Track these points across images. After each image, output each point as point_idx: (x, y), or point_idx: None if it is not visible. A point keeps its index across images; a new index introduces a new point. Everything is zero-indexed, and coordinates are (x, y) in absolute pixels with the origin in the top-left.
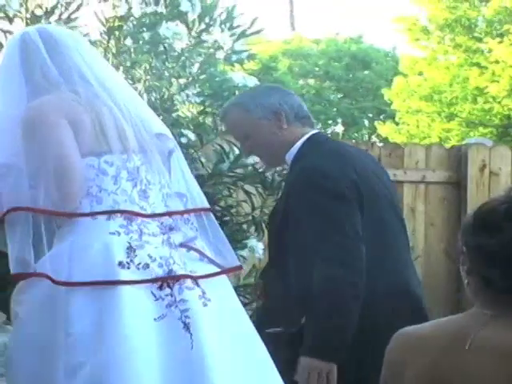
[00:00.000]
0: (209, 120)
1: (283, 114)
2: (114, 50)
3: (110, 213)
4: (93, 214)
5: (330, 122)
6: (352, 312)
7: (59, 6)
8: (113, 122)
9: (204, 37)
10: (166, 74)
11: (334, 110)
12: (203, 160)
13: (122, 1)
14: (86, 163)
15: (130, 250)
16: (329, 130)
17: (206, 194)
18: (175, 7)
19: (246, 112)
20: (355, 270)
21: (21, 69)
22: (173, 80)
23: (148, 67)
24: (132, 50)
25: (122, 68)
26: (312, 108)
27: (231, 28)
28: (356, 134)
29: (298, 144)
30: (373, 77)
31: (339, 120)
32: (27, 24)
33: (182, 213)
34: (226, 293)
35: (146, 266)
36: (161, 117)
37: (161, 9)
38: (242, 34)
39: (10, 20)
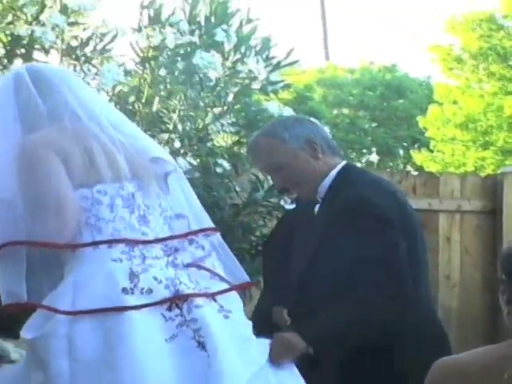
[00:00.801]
0: (243, 150)
1: (318, 144)
2: (149, 80)
3: (111, 242)
4: (95, 244)
5: (364, 151)
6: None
7: (94, 36)
8: (102, 152)
9: (239, 67)
10: (201, 103)
11: (369, 139)
12: (238, 189)
13: (157, 31)
14: (79, 195)
15: (133, 275)
16: (363, 160)
17: (240, 223)
18: (210, 37)
19: (280, 142)
20: (406, 299)
21: (15, 106)
22: (208, 110)
23: (183, 97)
24: (167, 80)
25: (157, 98)
26: (346, 137)
27: (267, 59)
28: (391, 163)
29: (332, 174)
30: (407, 105)
31: (374, 149)
32: (62, 56)
33: (186, 235)
34: (240, 308)
35: (150, 290)
36: (196, 147)
37: (195, 39)
38: (278, 65)
39: (46, 51)
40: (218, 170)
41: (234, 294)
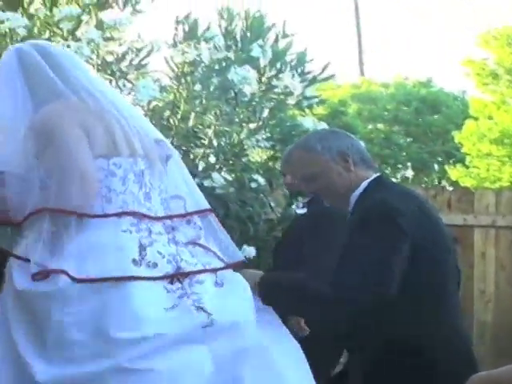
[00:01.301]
0: (278, 165)
1: (350, 157)
2: (184, 95)
3: (120, 214)
4: (106, 216)
5: (399, 166)
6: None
7: (130, 51)
8: (120, 130)
9: (274, 82)
10: (236, 119)
11: (404, 154)
12: (273, 204)
13: (192, 46)
14: (96, 165)
15: (141, 247)
16: (398, 175)
17: (275, 238)
18: (246, 52)
19: (314, 154)
20: (382, 297)
21: (23, 81)
22: (243, 125)
23: (218, 112)
24: (202, 95)
25: (192, 113)
26: (381, 152)
27: (302, 73)
28: (426, 179)
29: (364, 185)
30: (442, 120)
31: (409, 164)
32: (98, 71)
33: (184, 215)
34: (238, 281)
35: (155, 264)
36: (231, 162)
37: (231, 54)
38: (313, 80)
39: None
40: (253, 185)
41: (230, 272)
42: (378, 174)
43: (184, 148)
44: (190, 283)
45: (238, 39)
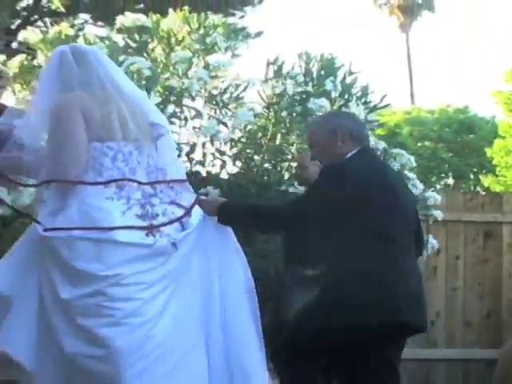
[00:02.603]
0: None
1: (339, 134)
2: (273, 121)
3: (106, 183)
4: (96, 184)
5: (442, 175)
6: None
7: (230, 87)
8: (117, 117)
9: (343, 109)
10: None
11: (446, 166)
12: None
13: (279, 82)
14: (92, 146)
15: (121, 210)
16: (442, 182)
17: None
18: (321, 87)
19: (317, 128)
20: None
21: (58, 75)
22: None
23: (299, 133)
24: (287, 120)
25: (279, 135)
26: (428, 164)
27: (365, 103)
28: (463, 185)
29: (349, 155)
30: (477, 139)
31: (450, 174)
32: (205, 102)
33: (163, 182)
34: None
35: (134, 220)
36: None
37: (309, 88)
38: (374, 108)
39: (193, 98)
40: None
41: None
42: (361, 147)
43: (273, 162)
44: (160, 235)
45: (315, 76)
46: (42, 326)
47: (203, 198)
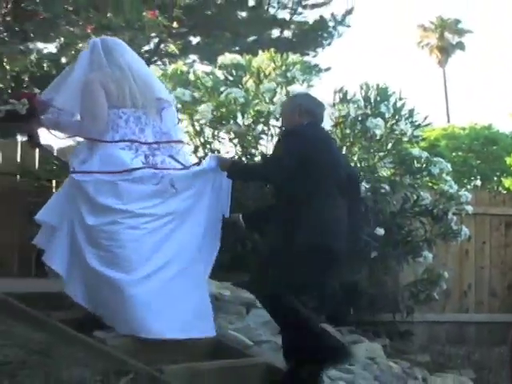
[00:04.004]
0: (397, 178)
1: (297, 110)
2: (339, 136)
3: (121, 141)
4: (115, 142)
5: (472, 178)
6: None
7: None
8: (129, 91)
9: (395, 127)
10: (371, 150)
11: (475, 171)
12: (394, 202)
13: (344, 106)
14: (111, 112)
15: (131, 157)
16: (471, 183)
17: (396, 223)
18: (377, 109)
19: (285, 104)
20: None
21: (89, 59)
22: (375, 154)
23: (360, 146)
24: (351, 136)
25: (344, 147)
26: (460, 170)
27: (411, 122)
28: (489, 186)
29: (302, 124)
30: (499, 150)
31: (478, 177)
32: None
33: (166, 142)
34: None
35: (141, 167)
36: (366, 177)
37: (368, 110)
38: (418, 126)
39: (277, 119)
40: (382, 190)
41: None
42: (313, 120)
43: None
44: (162, 176)
45: (372, 101)
46: (72, 247)
47: (214, 155)
